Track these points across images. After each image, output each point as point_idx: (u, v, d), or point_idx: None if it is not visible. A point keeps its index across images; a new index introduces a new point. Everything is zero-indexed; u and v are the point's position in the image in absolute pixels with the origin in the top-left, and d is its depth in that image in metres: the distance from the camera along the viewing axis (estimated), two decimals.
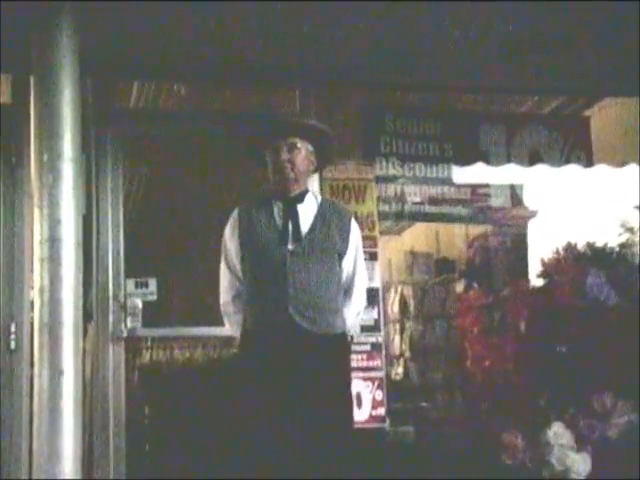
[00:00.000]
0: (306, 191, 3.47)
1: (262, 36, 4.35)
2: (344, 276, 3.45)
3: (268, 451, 3.15)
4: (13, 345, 4.41)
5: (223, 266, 3.50)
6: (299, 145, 3.39)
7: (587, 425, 4.71)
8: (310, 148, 3.45)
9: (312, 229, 3.36)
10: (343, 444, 3.25)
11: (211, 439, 4.29)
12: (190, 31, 4.27)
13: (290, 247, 3.30)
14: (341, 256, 3.42)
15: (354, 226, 3.51)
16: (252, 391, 3.24)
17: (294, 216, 3.37)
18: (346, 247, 3.44)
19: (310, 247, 3.33)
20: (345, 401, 3.37)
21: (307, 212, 3.41)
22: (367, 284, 3.65)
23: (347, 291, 3.48)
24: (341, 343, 3.41)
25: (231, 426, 3.28)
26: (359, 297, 3.54)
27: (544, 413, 4.74)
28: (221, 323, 4.24)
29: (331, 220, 3.42)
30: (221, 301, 3.53)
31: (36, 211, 3.74)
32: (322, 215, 3.41)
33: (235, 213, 3.47)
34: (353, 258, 3.48)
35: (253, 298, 3.35)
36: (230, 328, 3.55)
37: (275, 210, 3.40)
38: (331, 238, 3.38)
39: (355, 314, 3.54)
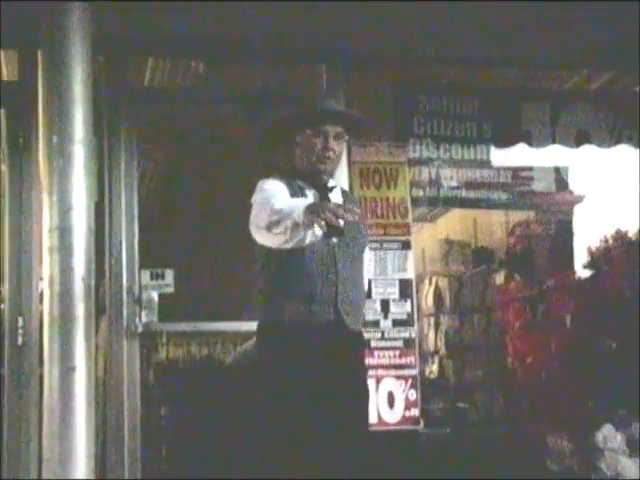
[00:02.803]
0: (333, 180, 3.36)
1: (287, 10, 4.20)
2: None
3: (305, 451, 3.04)
4: (21, 340, 4.33)
5: (268, 189, 3.05)
6: (345, 135, 3.24)
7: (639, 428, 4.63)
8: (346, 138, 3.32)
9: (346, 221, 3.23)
10: (369, 442, 3.21)
11: (231, 440, 4.29)
12: (208, 5, 4.12)
13: (335, 240, 3.12)
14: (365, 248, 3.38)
15: None
16: (295, 388, 3.06)
17: None
18: (368, 238, 3.39)
19: (348, 240, 3.17)
20: (368, 398, 3.33)
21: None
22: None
23: None
24: (363, 338, 3.37)
25: (260, 426, 3.13)
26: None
27: (592, 414, 4.69)
28: (241, 318, 4.16)
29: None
30: (274, 207, 2.94)
31: (45, 197, 3.71)
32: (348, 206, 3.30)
33: (278, 180, 3.13)
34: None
35: (294, 293, 3.11)
36: (276, 236, 2.95)
37: (310, 198, 3.19)
38: (361, 229, 3.28)
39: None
